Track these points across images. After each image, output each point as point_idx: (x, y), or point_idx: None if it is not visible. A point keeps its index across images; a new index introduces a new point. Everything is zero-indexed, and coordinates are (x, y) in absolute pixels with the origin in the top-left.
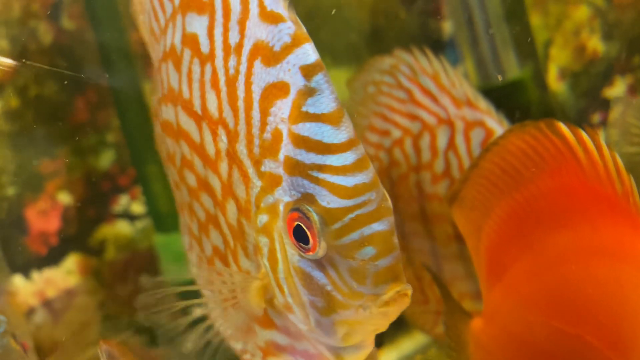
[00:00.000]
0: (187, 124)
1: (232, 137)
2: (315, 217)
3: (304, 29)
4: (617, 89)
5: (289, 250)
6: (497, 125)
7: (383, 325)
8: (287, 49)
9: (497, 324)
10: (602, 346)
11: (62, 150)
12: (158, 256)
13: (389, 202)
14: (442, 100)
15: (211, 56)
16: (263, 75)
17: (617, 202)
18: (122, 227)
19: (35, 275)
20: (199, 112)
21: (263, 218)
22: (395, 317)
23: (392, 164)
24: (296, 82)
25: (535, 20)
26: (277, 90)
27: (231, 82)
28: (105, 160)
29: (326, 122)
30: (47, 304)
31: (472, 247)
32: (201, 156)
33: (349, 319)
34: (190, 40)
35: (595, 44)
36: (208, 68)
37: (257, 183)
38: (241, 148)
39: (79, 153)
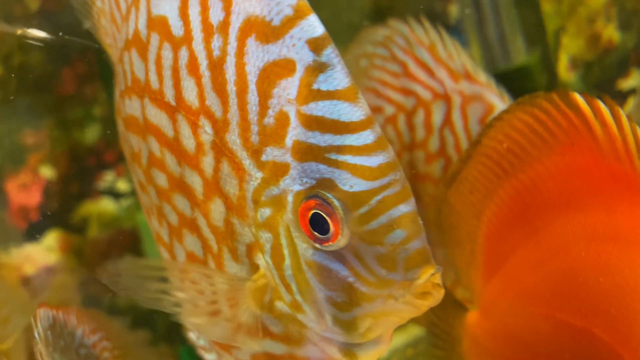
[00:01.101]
0: (157, 117)
1: (220, 127)
2: (336, 203)
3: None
4: (632, 80)
5: (300, 244)
6: (497, 99)
7: (410, 318)
8: (290, 22)
9: (496, 318)
10: (612, 341)
11: (46, 122)
12: (142, 236)
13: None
14: (439, 73)
15: (186, 39)
16: (260, 54)
17: (636, 183)
18: (106, 205)
19: (14, 250)
20: (172, 102)
21: (265, 212)
22: (426, 310)
23: None
24: (303, 57)
25: (547, 6)
26: (279, 68)
27: (216, 66)
28: (91, 134)
29: (342, 99)
30: (25, 281)
31: (469, 233)
32: (175, 152)
33: (374, 312)
34: (157, 24)
35: (611, 33)
36: (183, 52)
37: (256, 175)
38: (233, 138)
39: (64, 126)
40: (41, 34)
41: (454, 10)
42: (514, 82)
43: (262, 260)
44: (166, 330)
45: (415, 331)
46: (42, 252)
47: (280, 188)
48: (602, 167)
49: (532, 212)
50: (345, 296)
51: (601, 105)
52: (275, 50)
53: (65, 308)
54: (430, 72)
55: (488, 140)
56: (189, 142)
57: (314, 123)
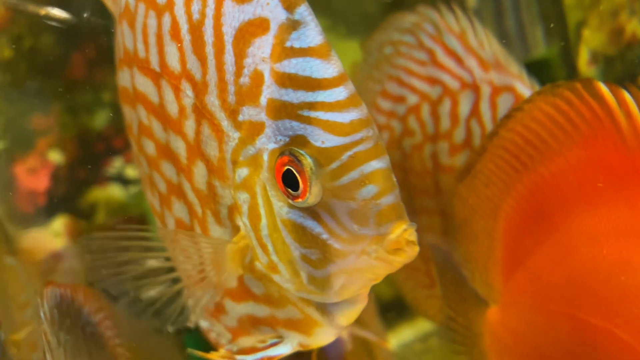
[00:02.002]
0: (144, 85)
1: (200, 89)
2: (308, 160)
3: None
4: None
5: (276, 202)
6: (528, 91)
7: (384, 275)
8: None
9: (516, 315)
10: (633, 341)
11: (55, 106)
12: (150, 223)
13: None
14: (468, 62)
15: (169, 5)
16: (236, 14)
17: None
18: (115, 191)
19: (12, 233)
20: (157, 69)
21: (242, 172)
22: (400, 267)
23: (405, 133)
24: (277, 16)
25: None
26: (254, 27)
27: (196, 29)
28: (100, 120)
29: (314, 56)
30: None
31: (486, 228)
32: (161, 119)
33: (348, 268)
34: None
35: (635, 27)
36: (166, 19)
37: (234, 135)
38: (212, 100)
39: (73, 111)
40: (60, 13)
41: (472, 0)
42: (532, 75)
43: (242, 222)
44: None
45: (425, 326)
46: (49, 237)
47: (256, 147)
48: (625, 160)
49: (552, 208)
50: (319, 253)
51: (626, 95)
52: (250, 10)
53: (72, 286)
54: (459, 61)
55: (506, 131)
56: (172, 107)
57: (287, 80)
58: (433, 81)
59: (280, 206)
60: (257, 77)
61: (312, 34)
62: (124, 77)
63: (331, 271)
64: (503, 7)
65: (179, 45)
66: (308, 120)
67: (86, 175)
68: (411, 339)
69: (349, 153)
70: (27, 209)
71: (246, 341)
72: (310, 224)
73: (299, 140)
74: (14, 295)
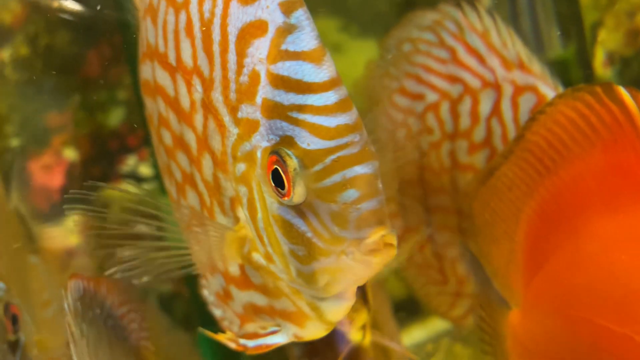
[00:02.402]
0: (163, 78)
1: (207, 85)
2: (293, 161)
3: None
4: None
5: (268, 198)
6: (551, 91)
7: (365, 276)
8: None
9: (536, 319)
10: None
11: (70, 104)
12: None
13: (373, 147)
14: (490, 61)
15: (185, 3)
16: (240, 15)
17: None
18: (128, 189)
19: (35, 231)
20: (174, 63)
21: (241, 167)
22: (379, 268)
23: (423, 130)
24: (275, 19)
25: None
26: (254, 29)
27: (206, 27)
28: (115, 118)
29: (307, 60)
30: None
31: (507, 232)
32: (176, 111)
33: (330, 267)
34: None
35: None
36: (182, 16)
37: (234, 131)
38: (217, 95)
39: (88, 108)
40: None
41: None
42: None
43: (242, 213)
44: (184, 317)
45: (436, 326)
46: (63, 234)
47: (252, 144)
48: None
49: (572, 212)
50: (305, 250)
51: None
52: (252, 12)
53: (96, 279)
54: (481, 60)
55: (531, 134)
56: (185, 101)
57: (280, 82)
58: (453, 79)
59: (272, 202)
60: (255, 77)
61: (306, 38)
62: (146, 70)
63: (315, 268)
64: (518, 8)
65: (192, 41)
66: (296, 122)
67: (100, 172)
68: (423, 339)
69: (333, 157)
70: (42, 205)
71: (250, 327)
72: (297, 221)
73: (288, 141)
74: (37, 294)
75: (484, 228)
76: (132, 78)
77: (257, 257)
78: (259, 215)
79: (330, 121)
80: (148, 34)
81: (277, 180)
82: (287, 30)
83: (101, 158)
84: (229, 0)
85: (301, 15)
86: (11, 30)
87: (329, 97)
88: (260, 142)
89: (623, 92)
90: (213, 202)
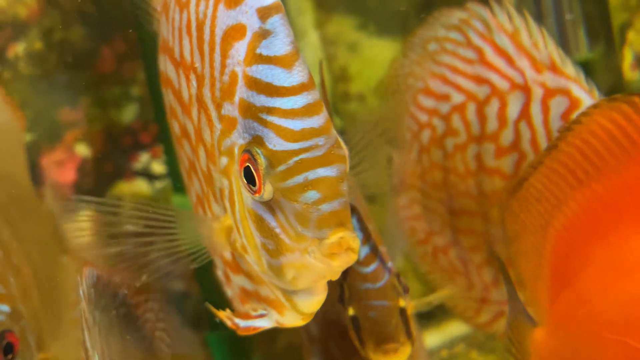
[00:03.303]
0: (171, 71)
1: (200, 81)
2: (262, 160)
3: None
4: None
5: (244, 192)
6: (585, 95)
7: (328, 275)
8: None
9: (563, 338)
10: None
11: (83, 99)
12: None
13: (343, 151)
14: (520, 63)
15: (187, 3)
16: (224, 18)
17: None
18: (141, 186)
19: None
20: (178, 58)
21: (223, 161)
22: (341, 270)
23: (448, 132)
24: (252, 24)
25: None
26: (235, 32)
27: (200, 27)
28: (128, 114)
29: (278, 65)
30: None
31: (534, 245)
32: (180, 103)
33: (295, 263)
34: None
35: None
36: (185, 15)
37: (218, 126)
38: (206, 92)
39: (101, 104)
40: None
41: (508, 0)
42: None
43: (225, 204)
44: (194, 316)
45: (452, 331)
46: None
47: (231, 140)
48: None
49: (605, 227)
50: (274, 244)
51: None
52: (235, 16)
53: (111, 269)
54: (510, 61)
55: (565, 145)
56: (185, 94)
57: (253, 84)
58: (480, 80)
59: (247, 197)
60: (234, 77)
61: (279, 43)
62: (162, 63)
63: (282, 262)
64: (543, 8)
65: (190, 39)
66: (265, 123)
67: (112, 169)
68: (438, 345)
69: (296, 158)
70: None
71: (246, 308)
72: (267, 217)
73: (258, 141)
74: (67, 294)
75: (514, 240)
76: (146, 74)
77: (240, 245)
78: (237, 207)
79: (296, 124)
80: (163, 28)
81: (249, 177)
82: (263, 35)
83: (114, 154)
84: (218, 3)
85: (276, 21)
86: (26, 24)
87: (296, 101)
88: (237, 139)
89: None
90: (208, 190)
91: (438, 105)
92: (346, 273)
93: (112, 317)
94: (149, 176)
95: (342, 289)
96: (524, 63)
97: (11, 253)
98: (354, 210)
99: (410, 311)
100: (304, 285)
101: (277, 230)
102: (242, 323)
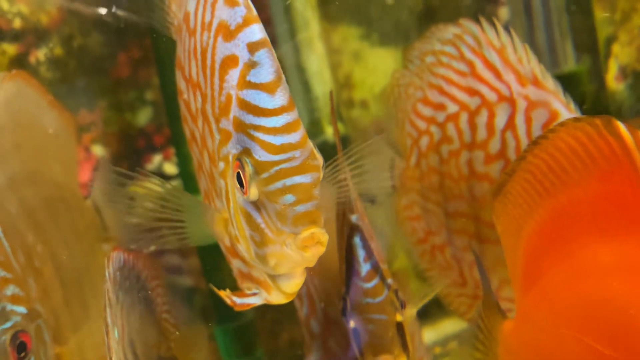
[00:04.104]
0: (183, 85)
1: (203, 98)
2: (249, 168)
3: (254, 12)
4: None
5: (236, 192)
6: (563, 107)
7: (303, 263)
8: (239, 28)
9: (528, 331)
10: None
11: (100, 103)
12: None
13: (318, 161)
14: (506, 76)
15: (194, 31)
16: (222, 49)
17: None
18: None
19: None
20: (187, 76)
21: (221, 165)
22: (314, 260)
23: (443, 139)
24: (243, 55)
25: (600, 13)
26: (230, 61)
27: (204, 53)
28: (142, 117)
29: (263, 90)
30: None
31: (510, 245)
32: (190, 113)
33: (276, 253)
34: (186, 17)
35: None
36: (192, 41)
37: (217, 137)
38: (208, 107)
39: (117, 108)
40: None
41: (503, 13)
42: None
43: (223, 201)
44: (202, 310)
45: (446, 329)
46: None
47: (227, 149)
48: None
49: (568, 235)
50: (259, 237)
51: None
52: (230, 48)
53: (136, 254)
54: (497, 74)
55: (532, 157)
56: (193, 106)
57: (243, 105)
58: (472, 92)
59: (238, 196)
60: (229, 98)
61: (264, 73)
62: (177, 76)
63: (266, 252)
64: (535, 22)
65: (196, 62)
66: (252, 138)
67: (126, 169)
68: (431, 342)
69: (277, 168)
70: None
71: (244, 287)
72: (254, 213)
73: (247, 152)
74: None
75: (501, 239)
76: (160, 79)
77: (234, 236)
78: (231, 204)
79: (277, 140)
80: (178, 47)
81: (240, 181)
82: (251, 65)
83: (128, 155)
84: (217, 35)
85: (263, 54)
86: (47, 31)
87: (277, 121)
88: (231, 149)
89: (620, 127)
90: (212, 187)
91: (435, 114)
92: (349, 287)
93: (134, 298)
94: (161, 177)
95: (344, 302)
96: (510, 77)
97: (33, 257)
98: (357, 229)
99: (407, 324)
100: (284, 271)
101: (262, 225)
102: (238, 300)
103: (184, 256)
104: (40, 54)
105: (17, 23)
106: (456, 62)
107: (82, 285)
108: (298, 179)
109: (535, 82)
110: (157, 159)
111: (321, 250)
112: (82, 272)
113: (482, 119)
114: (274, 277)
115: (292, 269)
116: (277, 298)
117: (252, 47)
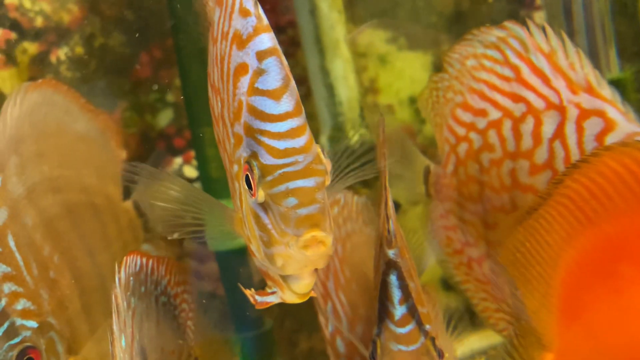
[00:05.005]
0: (210, 90)
1: (222, 103)
2: (256, 170)
3: (265, 22)
4: None
5: (246, 194)
6: (620, 117)
7: (309, 264)
8: (249, 37)
9: None
10: None
11: (120, 104)
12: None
13: (323, 166)
14: (556, 83)
15: (216, 40)
16: (235, 57)
17: None
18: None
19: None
20: (211, 81)
21: (235, 168)
22: (317, 260)
23: (484, 146)
24: (252, 63)
25: None
26: (241, 69)
27: (222, 61)
28: (163, 119)
29: (269, 97)
30: None
31: (542, 274)
32: (214, 117)
33: (282, 253)
34: (212, 26)
35: None
36: (214, 49)
37: (232, 140)
38: (225, 112)
39: (137, 109)
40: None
41: (539, 18)
42: None
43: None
44: (220, 317)
45: (473, 345)
46: None
47: (240, 152)
48: None
49: (615, 268)
50: (267, 237)
51: None
52: (241, 55)
53: (158, 258)
54: (546, 80)
55: (571, 181)
56: (216, 111)
57: (252, 110)
58: (517, 98)
59: (248, 198)
60: (240, 104)
61: (271, 80)
62: (208, 82)
63: (273, 252)
64: (575, 27)
65: (216, 70)
66: (259, 142)
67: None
68: (460, 357)
69: (280, 171)
70: None
71: (268, 284)
72: (262, 215)
73: (254, 155)
74: None
75: (518, 267)
76: (181, 81)
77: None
78: (244, 206)
79: (281, 144)
80: (208, 55)
81: (248, 183)
82: (259, 73)
83: (147, 158)
84: (233, 44)
85: (270, 62)
86: (68, 30)
87: (282, 126)
88: (242, 152)
89: None
90: (233, 187)
91: (475, 120)
92: (380, 330)
93: (151, 304)
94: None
95: (374, 345)
96: (559, 83)
97: (49, 268)
98: (394, 266)
99: None
100: (291, 272)
101: (269, 226)
102: (259, 298)
103: (201, 261)
104: (61, 53)
105: (39, 21)
106: (500, 67)
107: (109, 291)
108: (301, 183)
109: (589, 90)
110: (177, 162)
111: (323, 249)
112: (108, 278)
113: (528, 126)
114: (284, 278)
115: (300, 270)
116: (290, 298)
117: (261, 55)
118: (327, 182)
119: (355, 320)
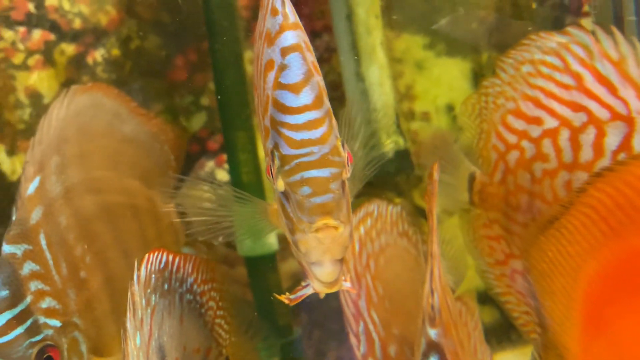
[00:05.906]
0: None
1: (259, 99)
2: (277, 161)
3: (290, 20)
4: None
5: (274, 184)
6: None
7: (325, 249)
8: (277, 35)
9: None
10: None
11: (155, 106)
12: None
13: (340, 158)
14: (623, 92)
15: (254, 40)
16: (266, 54)
17: None
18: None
19: None
20: (253, 81)
21: (267, 160)
22: (332, 246)
23: (537, 156)
24: (277, 59)
25: None
26: (269, 65)
27: (257, 58)
28: (197, 122)
29: (289, 90)
30: None
31: (564, 286)
32: (256, 111)
33: (302, 239)
34: (254, 28)
35: None
36: (256, 49)
37: (263, 133)
38: (259, 106)
39: (172, 111)
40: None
41: (586, 24)
42: None
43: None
44: (248, 322)
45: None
46: None
47: (268, 145)
48: None
49: None
50: (290, 225)
51: None
52: (270, 53)
53: (184, 255)
54: (612, 90)
55: (595, 190)
56: (256, 108)
57: (275, 104)
58: (577, 107)
59: (275, 188)
60: (267, 98)
61: (292, 75)
62: None
63: (297, 239)
64: (625, 31)
65: (256, 69)
66: (280, 134)
67: (179, 174)
68: None
69: (296, 161)
70: None
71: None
72: (285, 203)
73: (276, 146)
74: None
75: (540, 279)
76: (216, 85)
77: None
78: (274, 195)
79: (297, 135)
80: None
81: (271, 175)
82: (282, 68)
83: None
84: (264, 43)
85: (292, 58)
86: (105, 32)
87: (299, 119)
88: (269, 144)
89: None
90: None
91: (528, 128)
92: None
93: (174, 301)
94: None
95: None
96: (628, 92)
97: (79, 268)
98: (435, 349)
99: None
100: (314, 258)
101: (291, 214)
102: (292, 296)
103: (230, 265)
104: (97, 55)
105: (77, 23)
106: (559, 74)
107: None
108: (315, 173)
109: None
110: (210, 165)
111: (334, 233)
112: None
113: (589, 137)
114: (309, 265)
115: (321, 257)
116: (318, 287)
117: (284, 52)
118: (345, 175)
119: (388, 340)
